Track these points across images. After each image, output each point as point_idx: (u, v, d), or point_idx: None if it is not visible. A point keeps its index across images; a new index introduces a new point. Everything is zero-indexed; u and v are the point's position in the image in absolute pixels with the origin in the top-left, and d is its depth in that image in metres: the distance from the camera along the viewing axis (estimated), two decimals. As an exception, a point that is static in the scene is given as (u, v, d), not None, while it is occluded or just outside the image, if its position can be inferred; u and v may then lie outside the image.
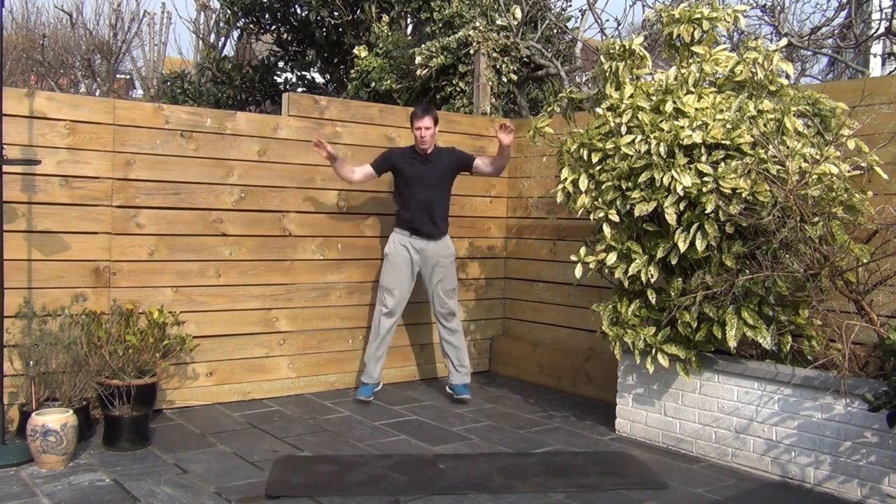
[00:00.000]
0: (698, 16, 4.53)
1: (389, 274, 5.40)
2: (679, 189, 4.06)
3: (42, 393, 4.27)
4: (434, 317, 5.61)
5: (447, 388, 5.62)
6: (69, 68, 14.65)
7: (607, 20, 18.86)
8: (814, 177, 3.92)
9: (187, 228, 5.07)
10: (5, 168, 4.15)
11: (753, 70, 4.31)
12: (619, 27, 8.94)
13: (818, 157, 3.98)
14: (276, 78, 10.39)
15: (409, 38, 8.73)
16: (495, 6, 7.39)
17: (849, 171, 4.09)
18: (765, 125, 4.12)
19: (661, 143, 4.16)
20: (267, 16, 9.99)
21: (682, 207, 4.12)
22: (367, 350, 5.51)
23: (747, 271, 4.04)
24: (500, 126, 5.37)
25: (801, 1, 22.98)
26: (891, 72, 8.27)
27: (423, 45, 7.38)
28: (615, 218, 4.37)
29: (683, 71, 4.46)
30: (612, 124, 4.45)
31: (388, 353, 5.56)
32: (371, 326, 5.54)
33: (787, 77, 4.55)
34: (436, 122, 5.33)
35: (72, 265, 4.68)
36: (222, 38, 13.53)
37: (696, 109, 4.25)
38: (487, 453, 4.37)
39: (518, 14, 7.16)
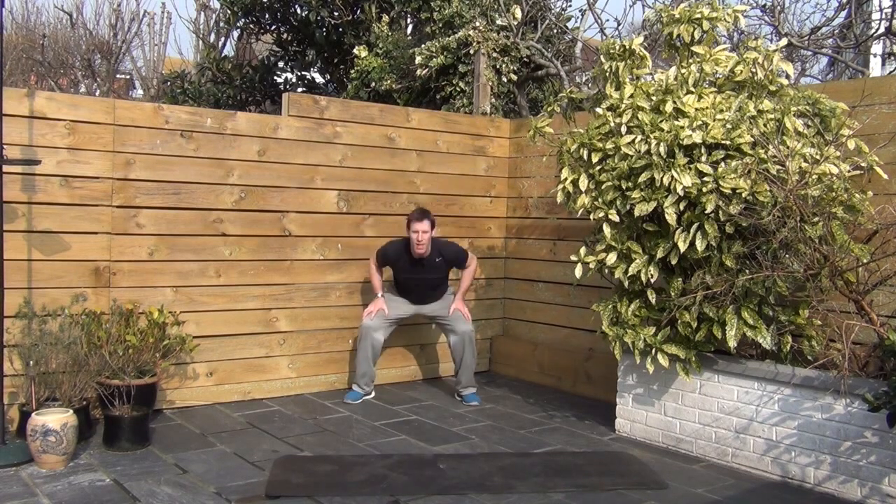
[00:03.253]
0: (698, 16, 4.53)
1: (387, 298, 5.45)
2: (679, 189, 4.06)
3: (42, 393, 4.26)
4: (449, 339, 5.60)
5: (456, 395, 5.61)
6: (69, 68, 14.64)
7: (607, 20, 18.87)
8: (814, 177, 3.92)
9: (187, 228, 5.06)
10: (5, 168, 4.14)
11: (753, 70, 4.31)
12: (619, 27, 8.96)
13: (818, 157, 3.98)
14: (276, 78, 10.38)
15: (409, 38, 8.73)
16: (495, 6, 7.39)
17: (849, 171, 4.09)
18: (765, 125, 4.12)
19: (661, 143, 4.16)
20: (267, 16, 9.98)
21: (682, 207, 4.12)
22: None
23: (747, 271, 4.04)
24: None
25: (801, 1, 22.98)
26: (891, 72, 8.27)
27: (423, 45, 7.37)
28: (615, 218, 4.37)
29: (683, 71, 4.46)
30: (612, 124, 4.45)
31: (387, 353, 5.56)
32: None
33: (787, 77, 4.55)
34: (433, 226, 5.29)
35: (72, 265, 4.68)
36: (222, 38, 13.53)
37: (696, 109, 4.25)
38: (487, 453, 4.37)
39: (518, 14, 7.16)
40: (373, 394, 5.52)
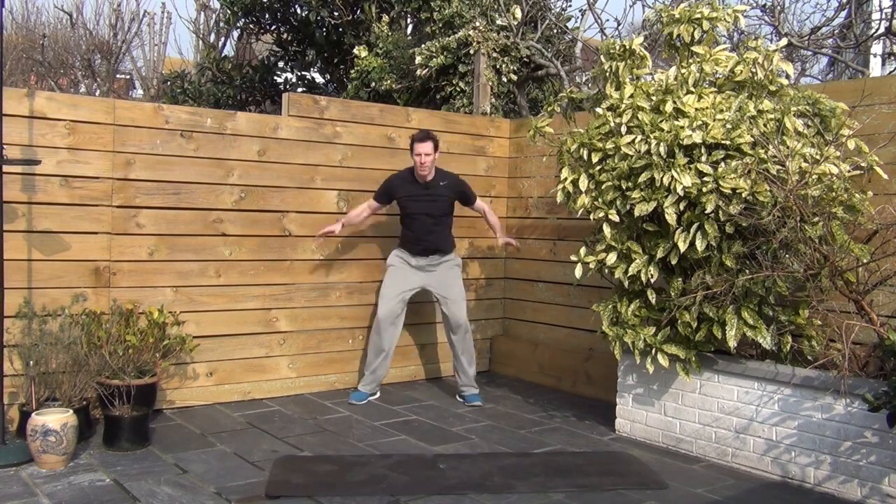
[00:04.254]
0: (698, 16, 4.53)
1: (390, 278, 5.42)
2: (679, 189, 4.06)
3: (42, 393, 4.26)
4: (446, 331, 5.58)
5: (458, 396, 5.60)
6: (69, 68, 14.64)
7: (607, 20, 18.88)
8: (814, 177, 3.92)
9: (187, 228, 5.06)
10: (5, 168, 4.14)
11: (753, 70, 4.31)
12: (619, 27, 8.96)
13: (818, 157, 3.98)
14: (276, 78, 10.38)
15: (409, 38, 8.73)
16: (495, 6, 7.39)
17: (849, 171, 4.09)
18: (765, 125, 4.12)
19: (661, 143, 4.16)
20: (267, 16, 9.98)
21: (682, 207, 4.12)
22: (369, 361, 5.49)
23: (747, 271, 4.04)
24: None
25: (801, 1, 22.98)
26: (891, 72, 8.27)
27: (423, 45, 7.37)
28: (615, 218, 4.37)
29: (683, 71, 4.46)
30: (612, 124, 4.45)
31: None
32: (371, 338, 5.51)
33: (787, 77, 4.55)
34: (436, 147, 5.29)
35: (72, 265, 4.68)
36: (222, 38, 13.53)
37: (696, 109, 4.25)
38: (487, 453, 4.37)
39: (518, 14, 7.16)
40: (378, 394, 5.52)
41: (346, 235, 5.73)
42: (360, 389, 5.44)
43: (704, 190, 4.01)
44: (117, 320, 4.55)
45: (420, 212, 5.35)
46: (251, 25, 10.24)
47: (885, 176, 4.19)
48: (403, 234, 5.48)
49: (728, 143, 4.07)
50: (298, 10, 9.79)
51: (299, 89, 10.34)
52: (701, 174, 4.06)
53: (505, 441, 4.62)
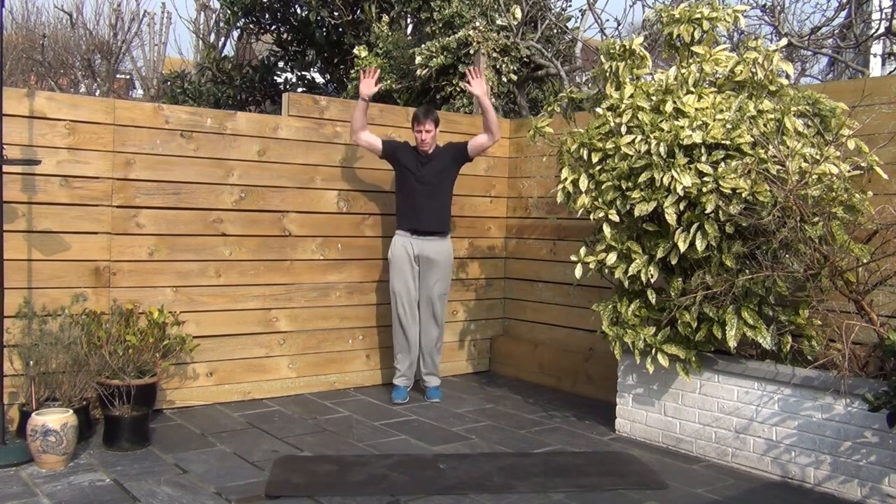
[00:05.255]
0: (698, 16, 4.53)
1: (395, 277, 5.41)
2: (679, 189, 4.06)
3: (42, 393, 4.27)
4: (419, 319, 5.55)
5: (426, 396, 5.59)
6: (69, 68, 14.64)
7: (607, 20, 18.88)
8: (814, 177, 3.92)
9: (187, 228, 5.06)
10: (5, 168, 4.14)
11: (753, 70, 4.31)
12: (619, 27, 8.95)
13: (818, 157, 3.98)
14: (276, 78, 10.38)
15: (409, 38, 8.73)
16: (495, 6, 7.39)
17: (849, 171, 4.09)
18: (765, 125, 4.12)
19: (661, 143, 4.16)
20: (267, 16, 9.98)
21: (682, 207, 4.12)
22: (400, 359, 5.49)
23: (747, 271, 4.04)
24: (463, 75, 5.22)
25: (801, 1, 22.98)
26: (891, 72, 8.27)
27: (423, 45, 7.37)
28: (615, 218, 4.37)
29: (683, 71, 4.46)
30: (612, 124, 4.45)
31: (388, 352, 5.56)
32: (394, 334, 5.51)
33: (787, 77, 4.55)
34: (436, 124, 5.34)
35: (72, 265, 4.68)
36: (222, 38, 13.52)
37: (696, 109, 4.25)
38: (487, 453, 4.37)
39: (518, 14, 7.16)
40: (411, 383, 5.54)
41: (346, 235, 5.73)
42: (397, 385, 5.45)
43: (704, 190, 4.01)
44: (117, 320, 4.55)
45: (419, 180, 5.35)
46: (251, 25, 10.23)
47: (885, 176, 4.19)
48: (400, 207, 5.46)
49: (728, 143, 4.07)
50: (298, 10, 9.79)
51: (299, 89, 10.34)
52: (701, 174, 4.06)
53: (505, 441, 4.62)
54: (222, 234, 5.20)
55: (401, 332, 5.42)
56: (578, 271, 4.57)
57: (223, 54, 12.17)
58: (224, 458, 4.17)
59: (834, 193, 3.92)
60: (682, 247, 4.09)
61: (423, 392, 5.54)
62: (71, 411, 4.00)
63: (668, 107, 4.27)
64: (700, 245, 4.04)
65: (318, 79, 10.77)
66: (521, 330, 6.45)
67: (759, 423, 4.14)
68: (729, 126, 4.10)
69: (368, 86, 5.25)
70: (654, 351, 4.35)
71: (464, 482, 3.88)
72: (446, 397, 5.61)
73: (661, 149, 4.15)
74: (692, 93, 4.36)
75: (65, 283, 4.64)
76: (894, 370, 3.73)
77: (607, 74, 4.68)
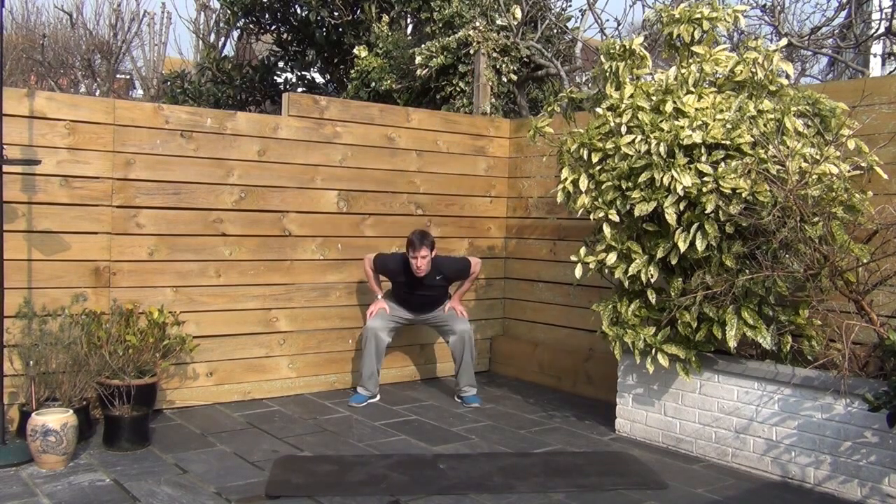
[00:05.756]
0: (698, 16, 4.53)
1: (377, 317, 5.38)
2: (679, 189, 4.06)
3: (42, 393, 4.26)
4: (449, 340, 5.55)
5: (456, 397, 5.59)
6: (69, 68, 14.64)
7: (607, 20, 18.87)
8: (814, 177, 3.92)
9: (187, 228, 5.06)
10: (5, 168, 4.14)
11: (753, 70, 4.31)
12: (619, 27, 8.95)
13: (818, 157, 3.98)
14: (276, 78, 10.38)
15: (409, 38, 8.73)
16: (495, 6, 7.39)
17: (849, 171, 4.09)
18: (765, 125, 4.12)
19: (661, 143, 4.16)
20: (267, 16, 9.98)
21: (682, 207, 4.12)
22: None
23: (747, 271, 4.04)
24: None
25: (801, 1, 22.98)
26: (891, 72, 8.27)
27: (423, 45, 7.37)
28: (615, 218, 4.37)
29: (683, 71, 4.46)
30: (612, 124, 4.45)
31: (388, 353, 5.56)
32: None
33: (787, 77, 4.55)
34: (432, 249, 5.27)
35: (72, 265, 4.68)
36: (222, 38, 13.53)
37: (696, 109, 4.25)
38: (487, 453, 4.37)
39: (518, 14, 7.16)
40: (378, 396, 5.51)
41: (346, 235, 5.74)
42: (359, 392, 5.42)
43: (704, 190, 4.01)
44: (117, 320, 4.55)
45: (412, 298, 5.43)
46: (251, 25, 10.24)
47: (885, 176, 4.19)
48: (394, 296, 5.51)
49: (728, 143, 4.07)
50: (298, 10, 9.79)
51: (299, 89, 10.34)
52: (701, 174, 4.06)
53: (505, 441, 4.62)
54: (222, 234, 5.20)
55: (371, 344, 5.38)
56: (578, 271, 4.57)
57: (223, 54, 12.17)
58: (224, 458, 4.17)
59: (834, 193, 3.91)
60: (682, 247, 4.09)
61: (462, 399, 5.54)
62: (71, 411, 4.00)
63: (668, 107, 4.27)
64: (700, 245, 4.04)
65: (318, 79, 10.78)
66: (521, 330, 6.45)
67: (759, 423, 4.14)
68: (729, 126, 4.10)
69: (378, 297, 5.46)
70: (654, 351, 4.35)
71: (464, 482, 3.88)
72: (446, 397, 5.61)
73: (661, 149, 4.15)
74: (692, 93, 4.36)
75: (65, 283, 4.64)
76: (894, 370, 3.73)
77: (607, 74, 4.68)
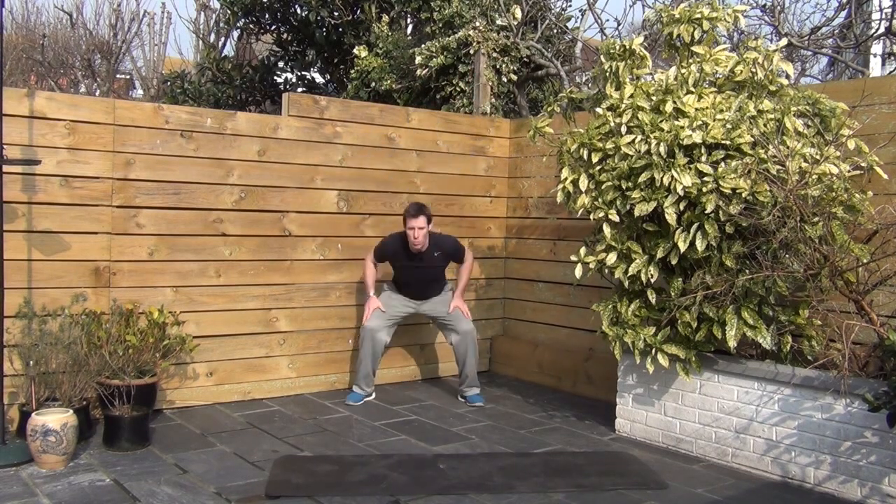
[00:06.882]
0: (698, 16, 4.53)
1: (374, 317, 5.35)
2: (679, 189, 4.06)
3: (42, 393, 4.27)
4: (451, 340, 5.54)
5: (459, 396, 5.59)
6: (69, 68, 14.64)
7: (607, 20, 18.87)
8: (814, 177, 3.92)
9: (187, 228, 5.06)
10: (5, 168, 4.14)
11: (753, 70, 4.31)
12: (619, 27, 8.96)
13: (818, 157, 3.98)
14: (276, 78, 10.38)
15: (409, 38, 8.73)
16: (495, 6, 7.39)
17: (849, 171, 4.09)
18: (765, 125, 4.12)
19: (661, 143, 4.16)
20: (267, 16, 9.98)
21: (682, 207, 4.12)
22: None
23: (747, 271, 4.04)
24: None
25: (801, 1, 22.98)
26: (891, 72, 8.27)
27: (423, 45, 7.37)
28: (615, 218, 4.37)
29: (683, 71, 4.46)
30: (612, 124, 4.45)
31: (388, 353, 5.56)
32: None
33: (787, 77, 4.55)
34: (429, 221, 5.26)
35: (72, 265, 4.68)
36: (222, 38, 13.52)
37: (696, 109, 4.25)
38: (487, 453, 4.37)
39: (518, 14, 7.16)
40: (374, 395, 5.51)
41: (346, 235, 5.74)
42: (355, 390, 5.43)
43: (704, 190, 4.01)
44: (117, 320, 4.55)
45: (414, 276, 5.42)
46: (251, 25, 10.24)
47: (885, 176, 4.19)
48: (395, 281, 5.53)
49: (728, 143, 4.07)
50: (298, 10, 9.79)
51: (299, 89, 10.34)
52: (701, 174, 4.06)
53: (505, 441, 4.62)
54: (222, 234, 5.20)
55: (369, 343, 5.37)
56: (578, 271, 4.57)
57: (223, 54, 12.17)
58: (224, 458, 4.17)
59: (834, 193, 3.92)
60: (682, 247, 4.09)
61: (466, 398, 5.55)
62: (71, 411, 4.00)
63: (668, 107, 4.27)
64: (700, 245, 4.04)
65: (318, 79, 10.78)
66: (521, 330, 6.45)
67: (759, 423, 4.14)
68: (729, 126, 4.10)
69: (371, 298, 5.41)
70: (654, 351, 4.35)
71: (464, 482, 3.88)
72: (446, 397, 5.61)
73: (661, 149, 4.15)
74: (692, 93, 4.36)
75: (65, 283, 4.64)
76: (894, 370, 3.73)
77: (607, 74, 4.68)
